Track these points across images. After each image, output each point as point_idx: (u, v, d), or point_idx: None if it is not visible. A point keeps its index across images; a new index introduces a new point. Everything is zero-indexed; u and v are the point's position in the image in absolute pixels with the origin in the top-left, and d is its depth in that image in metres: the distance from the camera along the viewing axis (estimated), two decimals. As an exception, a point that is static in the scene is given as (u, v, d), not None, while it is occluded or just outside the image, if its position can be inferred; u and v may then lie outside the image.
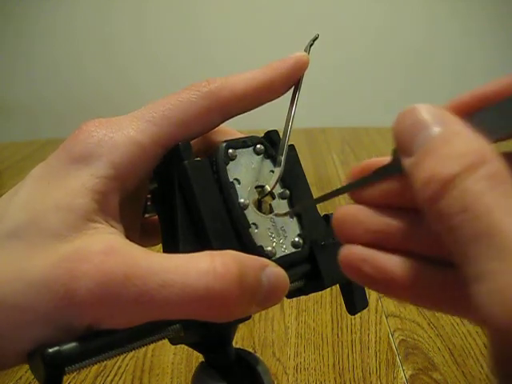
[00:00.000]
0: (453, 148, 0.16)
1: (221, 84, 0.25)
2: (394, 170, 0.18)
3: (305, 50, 0.27)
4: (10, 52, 1.82)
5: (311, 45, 0.27)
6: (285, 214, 0.26)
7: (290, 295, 0.26)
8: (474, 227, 0.15)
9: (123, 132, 0.23)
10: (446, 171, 0.16)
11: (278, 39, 1.38)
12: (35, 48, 1.81)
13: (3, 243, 0.21)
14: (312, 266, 0.26)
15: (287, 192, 0.27)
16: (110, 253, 0.20)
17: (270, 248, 0.25)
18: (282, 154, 0.26)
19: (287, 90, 0.27)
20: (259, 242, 0.25)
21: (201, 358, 0.28)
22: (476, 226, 0.15)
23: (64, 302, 0.19)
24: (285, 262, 0.24)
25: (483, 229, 0.15)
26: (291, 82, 0.27)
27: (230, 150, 0.26)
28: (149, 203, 0.29)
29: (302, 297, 0.26)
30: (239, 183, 0.25)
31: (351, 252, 0.20)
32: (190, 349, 0.30)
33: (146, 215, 0.29)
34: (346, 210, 0.20)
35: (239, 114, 0.26)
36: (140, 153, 0.23)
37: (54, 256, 0.20)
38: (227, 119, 0.26)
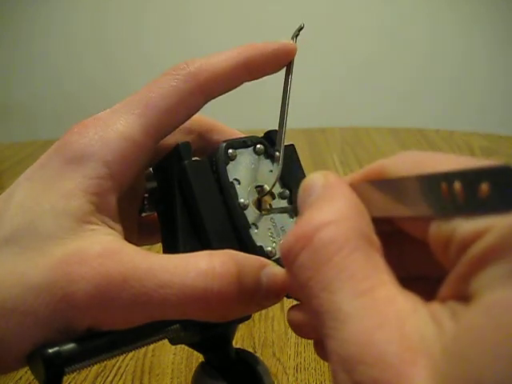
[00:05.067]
0: (302, 219, 0.17)
1: (200, 65, 0.25)
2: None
3: (291, 39, 0.27)
4: (9, 53, 1.82)
5: (297, 35, 0.27)
6: (281, 210, 0.26)
7: (290, 295, 0.26)
8: (309, 305, 0.16)
9: (112, 128, 0.23)
10: (284, 245, 0.17)
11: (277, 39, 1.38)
12: (34, 49, 1.81)
13: (1, 248, 0.21)
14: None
15: (287, 192, 0.27)
16: (108, 255, 0.20)
17: (269, 248, 0.25)
18: (279, 150, 0.26)
19: (270, 73, 0.26)
20: (259, 242, 0.25)
21: (201, 358, 0.28)
22: (312, 305, 0.15)
23: (63, 305, 0.19)
24: (285, 262, 0.24)
25: (317, 309, 0.15)
26: (274, 65, 0.26)
27: (230, 150, 0.26)
28: (146, 202, 0.29)
29: (302, 297, 0.26)
30: (239, 183, 0.25)
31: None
32: (190, 349, 0.30)
33: (143, 214, 0.29)
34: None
35: (222, 93, 0.26)
36: (131, 147, 0.23)
37: (52, 259, 0.20)
38: (210, 100, 0.26)
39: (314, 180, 0.18)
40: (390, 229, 0.18)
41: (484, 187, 0.13)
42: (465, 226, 0.14)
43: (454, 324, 0.13)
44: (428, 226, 0.16)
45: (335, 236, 0.15)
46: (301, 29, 0.27)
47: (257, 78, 0.26)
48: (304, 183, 0.18)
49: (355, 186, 0.18)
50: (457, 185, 0.14)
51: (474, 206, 0.14)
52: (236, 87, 0.26)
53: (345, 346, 0.14)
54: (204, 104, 0.26)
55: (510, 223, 0.13)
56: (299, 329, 0.20)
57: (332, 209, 0.16)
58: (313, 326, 0.19)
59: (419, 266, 0.20)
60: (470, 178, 0.14)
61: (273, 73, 0.27)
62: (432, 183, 0.15)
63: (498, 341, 0.12)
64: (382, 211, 0.17)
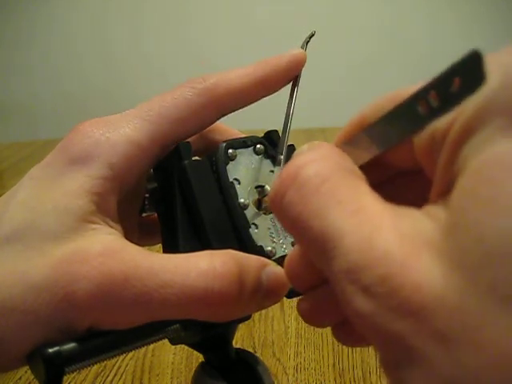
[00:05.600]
0: (287, 165, 0.17)
1: (216, 80, 0.25)
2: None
3: (301, 47, 0.27)
4: (9, 53, 1.82)
5: (307, 42, 0.27)
6: None
7: (290, 295, 0.26)
8: (304, 241, 0.16)
9: (120, 131, 0.23)
10: (271, 192, 0.17)
11: (277, 39, 1.38)
12: (33, 49, 1.81)
13: (2, 246, 0.21)
14: (312, 266, 0.26)
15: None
16: (109, 254, 0.20)
17: (269, 248, 0.25)
18: (281, 153, 0.26)
19: (283, 86, 0.27)
20: (259, 241, 0.25)
21: (201, 357, 0.28)
22: (307, 239, 0.15)
23: (63, 304, 0.19)
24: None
25: (312, 240, 0.15)
26: (287, 78, 0.27)
27: (230, 150, 0.26)
28: (146, 203, 0.29)
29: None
30: (239, 183, 0.25)
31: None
32: (190, 349, 0.30)
33: (144, 214, 0.29)
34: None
35: (235, 110, 0.26)
36: (137, 152, 0.23)
37: (53, 258, 0.20)
38: (223, 116, 0.26)
39: (301, 148, 0.18)
40: (378, 178, 0.19)
41: (456, 81, 0.13)
42: (441, 121, 0.14)
43: (448, 209, 0.13)
44: (412, 145, 0.16)
45: (319, 170, 0.16)
46: (312, 36, 0.27)
47: (272, 93, 0.27)
48: (293, 155, 0.18)
49: (340, 147, 0.18)
50: (432, 93, 0.14)
51: (448, 102, 0.14)
52: (251, 103, 0.26)
53: (347, 258, 0.14)
54: (217, 119, 0.26)
55: (477, 97, 0.13)
56: (312, 317, 0.20)
57: (313, 152, 0.17)
58: (328, 310, 0.19)
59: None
60: (443, 80, 0.14)
61: (285, 85, 0.27)
62: (410, 105, 0.15)
63: (493, 194, 0.12)
64: (369, 154, 0.18)
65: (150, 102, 0.24)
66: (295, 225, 0.16)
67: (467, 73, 0.13)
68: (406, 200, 0.20)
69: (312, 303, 0.20)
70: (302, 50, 0.27)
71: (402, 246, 0.13)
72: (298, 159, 0.16)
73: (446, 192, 0.14)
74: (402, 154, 0.18)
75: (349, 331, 0.20)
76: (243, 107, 0.26)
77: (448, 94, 0.14)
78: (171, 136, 0.24)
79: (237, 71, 0.26)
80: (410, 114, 0.15)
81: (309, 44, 0.27)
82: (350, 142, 0.19)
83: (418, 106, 0.15)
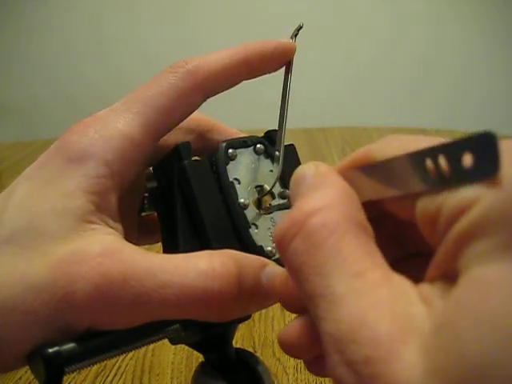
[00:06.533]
0: (294, 208, 0.17)
1: (198, 63, 0.25)
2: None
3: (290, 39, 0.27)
4: (8, 54, 1.82)
5: (296, 34, 0.27)
6: (281, 207, 0.26)
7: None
8: (303, 289, 0.16)
9: (111, 127, 0.23)
10: (277, 232, 0.17)
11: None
12: (33, 50, 1.81)
13: (2, 247, 0.20)
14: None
15: (287, 191, 0.27)
16: (108, 254, 0.20)
17: (269, 248, 0.25)
18: (279, 151, 0.26)
19: (269, 72, 0.26)
20: (259, 241, 0.25)
21: (201, 357, 0.28)
22: (306, 289, 0.16)
23: (62, 304, 0.19)
24: (285, 262, 0.24)
25: (310, 293, 0.15)
26: (273, 64, 0.26)
27: (230, 150, 0.26)
28: (146, 202, 0.29)
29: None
30: (239, 183, 0.25)
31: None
32: (190, 349, 0.30)
33: (143, 214, 0.29)
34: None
35: (220, 91, 0.26)
36: (131, 146, 0.23)
37: (52, 259, 0.20)
38: (208, 98, 0.26)
39: (305, 170, 0.18)
40: (384, 211, 0.19)
41: (467, 157, 0.14)
42: (451, 201, 0.14)
43: (443, 302, 0.14)
44: (415, 205, 0.16)
45: (326, 221, 0.16)
46: (300, 28, 0.27)
47: (255, 77, 0.26)
48: (295, 174, 0.18)
49: (344, 174, 0.18)
50: (441, 159, 0.14)
51: (459, 177, 0.14)
52: (234, 85, 0.26)
53: (338, 326, 0.14)
54: (202, 102, 0.26)
55: (493, 198, 0.13)
56: (292, 348, 0.19)
57: (322, 196, 0.17)
58: (306, 344, 0.19)
59: (418, 244, 0.20)
60: (454, 150, 0.14)
61: (272, 71, 0.27)
62: (417, 160, 0.15)
63: (482, 316, 0.12)
64: (372, 194, 0.18)
65: (136, 93, 0.24)
66: (297, 273, 0.16)
67: (480, 154, 0.13)
68: (402, 238, 0.20)
69: (294, 333, 0.20)
70: (290, 40, 0.26)
71: (391, 330, 0.13)
72: (306, 204, 0.16)
73: (443, 276, 0.14)
74: (404, 211, 0.17)
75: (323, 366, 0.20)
76: (228, 89, 0.26)
77: (460, 167, 0.14)
78: (161, 125, 0.24)
79: (219, 53, 0.25)
80: (417, 170, 0.15)
81: (299, 37, 0.27)
82: (354, 171, 0.18)
83: (426, 166, 0.15)
